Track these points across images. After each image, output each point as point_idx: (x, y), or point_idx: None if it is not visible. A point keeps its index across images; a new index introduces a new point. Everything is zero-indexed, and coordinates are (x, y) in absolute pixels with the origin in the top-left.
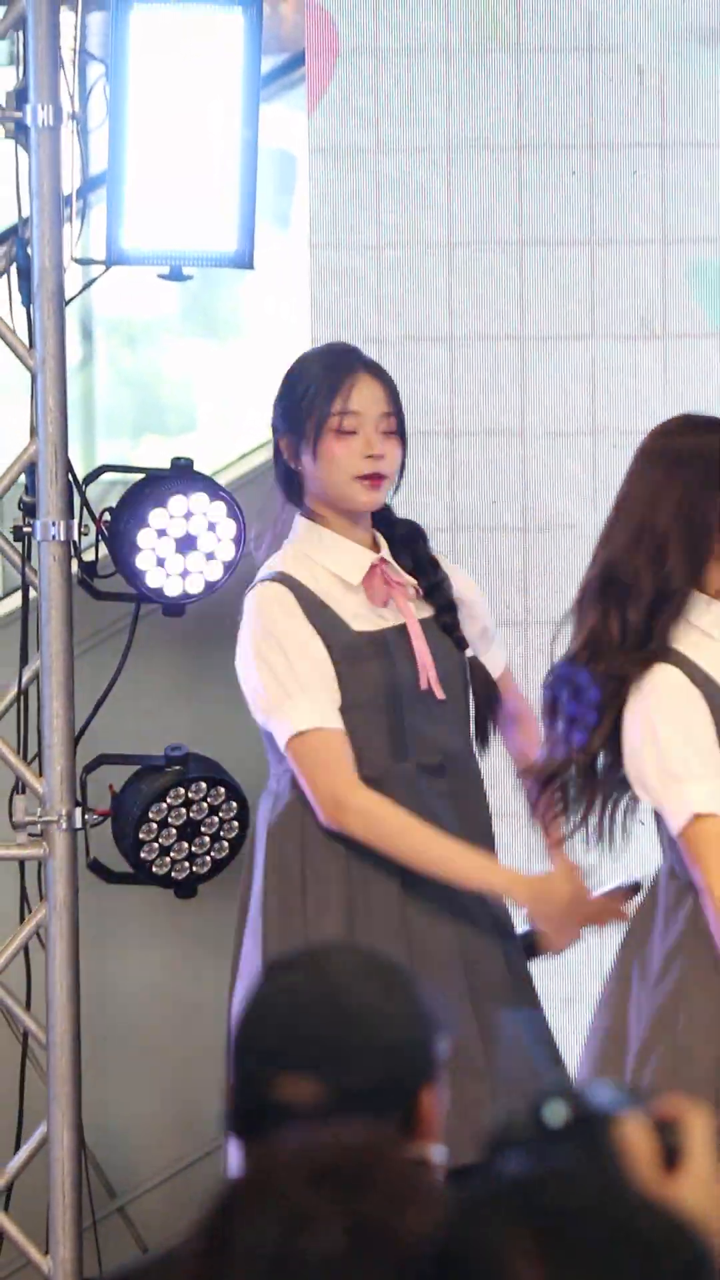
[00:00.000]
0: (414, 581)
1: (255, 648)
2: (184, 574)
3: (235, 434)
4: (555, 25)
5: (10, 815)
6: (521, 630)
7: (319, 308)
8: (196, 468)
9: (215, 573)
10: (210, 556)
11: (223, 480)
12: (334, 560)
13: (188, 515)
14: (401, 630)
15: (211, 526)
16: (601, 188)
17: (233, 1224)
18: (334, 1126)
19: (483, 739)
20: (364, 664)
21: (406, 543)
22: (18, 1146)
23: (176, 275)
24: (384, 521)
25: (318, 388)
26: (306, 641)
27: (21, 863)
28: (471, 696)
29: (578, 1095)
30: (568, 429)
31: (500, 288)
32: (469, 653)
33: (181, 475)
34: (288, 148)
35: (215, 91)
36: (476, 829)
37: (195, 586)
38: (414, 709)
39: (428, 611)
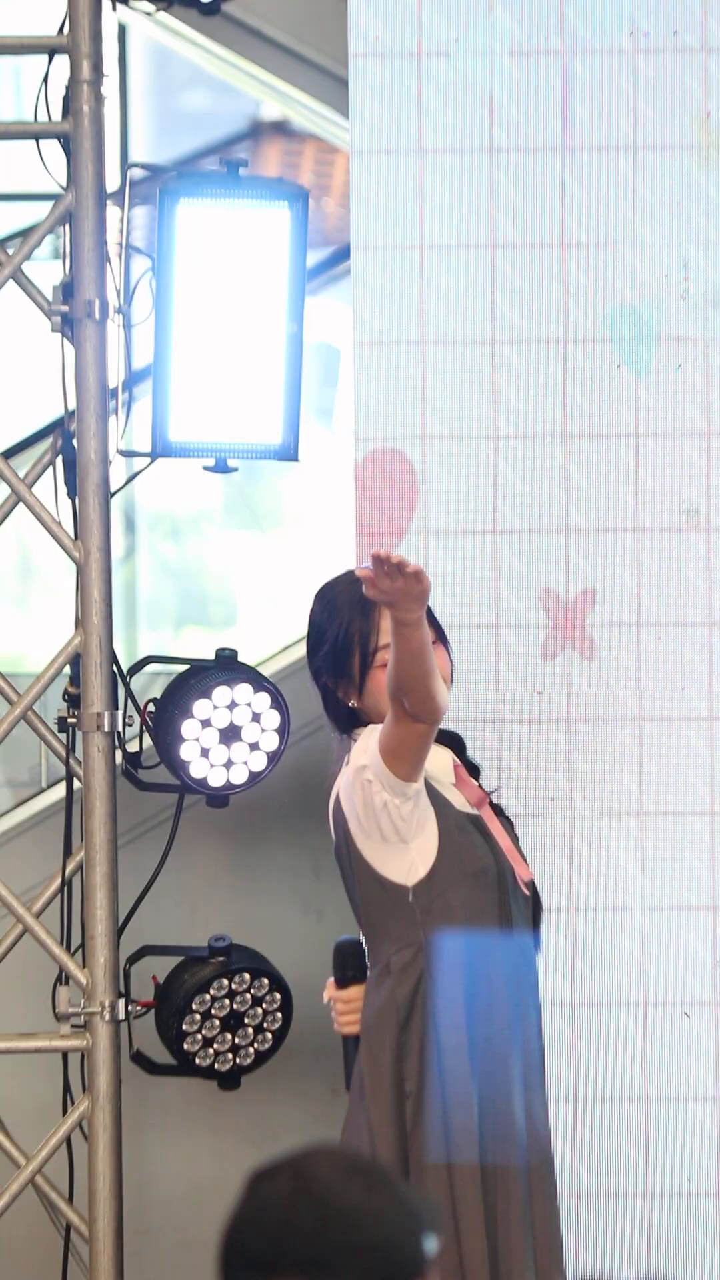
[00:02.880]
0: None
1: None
2: (228, 764)
3: (277, 626)
4: (604, 221)
5: (54, 1006)
6: None
7: (366, 500)
8: (239, 659)
9: (259, 763)
10: (254, 747)
11: (266, 671)
12: (429, 760)
13: (231, 706)
14: (483, 823)
15: (256, 717)
16: (649, 380)
17: None
18: None
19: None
20: (473, 836)
21: (459, 750)
22: None
23: (221, 467)
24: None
25: (350, 627)
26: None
27: (65, 1054)
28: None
29: None
30: (622, 620)
31: (548, 476)
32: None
33: (225, 666)
34: (331, 341)
35: (260, 285)
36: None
37: (239, 777)
38: (514, 891)
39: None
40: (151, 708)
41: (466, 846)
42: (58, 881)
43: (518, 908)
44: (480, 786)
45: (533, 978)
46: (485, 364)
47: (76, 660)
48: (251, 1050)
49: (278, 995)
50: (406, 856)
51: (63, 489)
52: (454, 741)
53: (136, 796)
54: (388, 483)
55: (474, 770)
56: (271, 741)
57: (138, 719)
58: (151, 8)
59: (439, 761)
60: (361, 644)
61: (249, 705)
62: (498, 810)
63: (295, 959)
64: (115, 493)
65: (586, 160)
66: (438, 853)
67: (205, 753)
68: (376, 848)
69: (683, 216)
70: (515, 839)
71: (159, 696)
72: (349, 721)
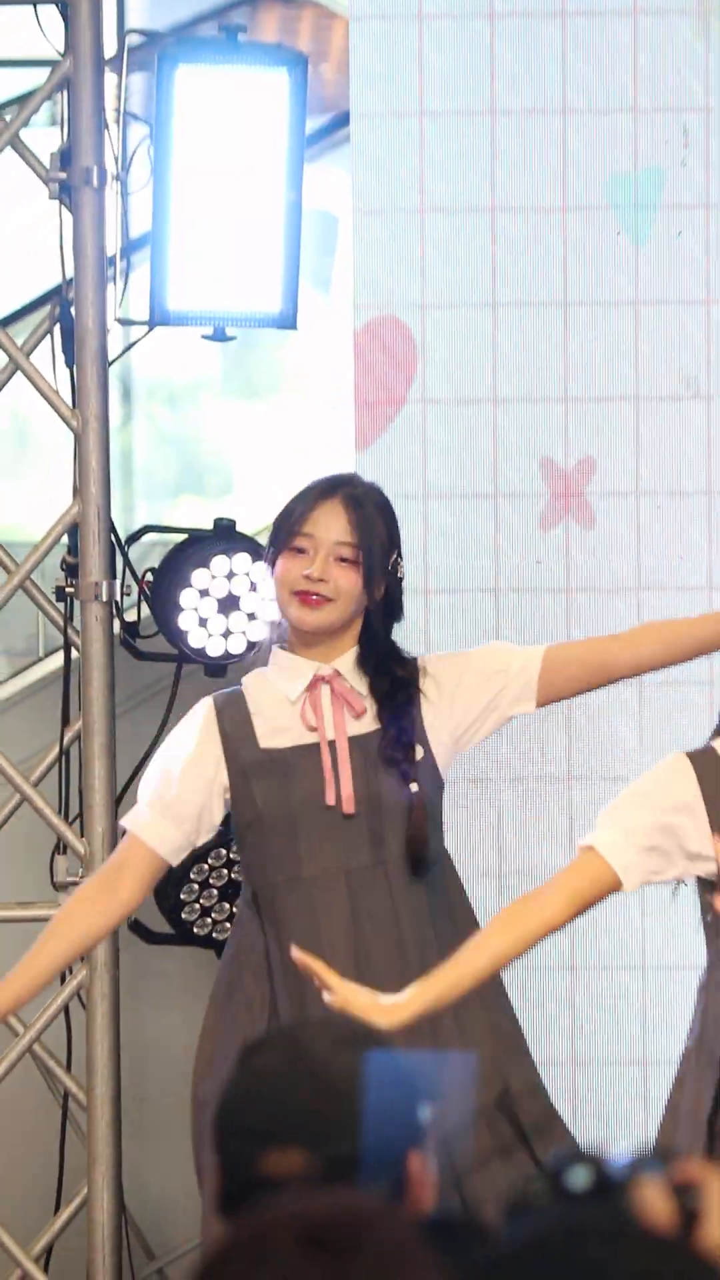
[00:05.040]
0: (363, 697)
1: (164, 744)
2: (226, 634)
3: (275, 495)
4: (602, 86)
5: (52, 876)
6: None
7: (364, 368)
8: (238, 529)
9: (258, 632)
10: (252, 616)
11: (264, 541)
12: (282, 676)
13: (230, 575)
14: (310, 751)
15: (254, 586)
16: (648, 248)
17: None
18: (325, 1192)
19: (413, 869)
20: (260, 780)
21: (378, 662)
22: (58, 1208)
23: (220, 336)
24: (375, 649)
25: (294, 510)
26: (188, 768)
27: None
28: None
29: (598, 1160)
30: (613, 489)
31: (547, 347)
32: (414, 788)
33: (224, 536)
34: (329, 208)
35: (259, 152)
36: (387, 937)
37: (237, 646)
38: (313, 825)
39: (371, 728)
40: (149, 577)
41: (244, 795)
42: (55, 751)
43: (331, 838)
44: (364, 705)
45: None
46: (484, 232)
47: (74, 530)
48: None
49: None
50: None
51: (60, 357)
52: (383, 655)
53: (134, 666)
54: (386, 352)
55: (386, 685)
56: (270, 611)
57: (136, 588)
58: None
59: (295, 674)
60: (288, 525)
61: (247, 575)
62: (396, 737)
63: None
64: (113, 361)
65: (585, 26)
66: (231, 803)
67: (203, 622)
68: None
69: (682, 84)
70: (391, 762)
71: (157, 566)
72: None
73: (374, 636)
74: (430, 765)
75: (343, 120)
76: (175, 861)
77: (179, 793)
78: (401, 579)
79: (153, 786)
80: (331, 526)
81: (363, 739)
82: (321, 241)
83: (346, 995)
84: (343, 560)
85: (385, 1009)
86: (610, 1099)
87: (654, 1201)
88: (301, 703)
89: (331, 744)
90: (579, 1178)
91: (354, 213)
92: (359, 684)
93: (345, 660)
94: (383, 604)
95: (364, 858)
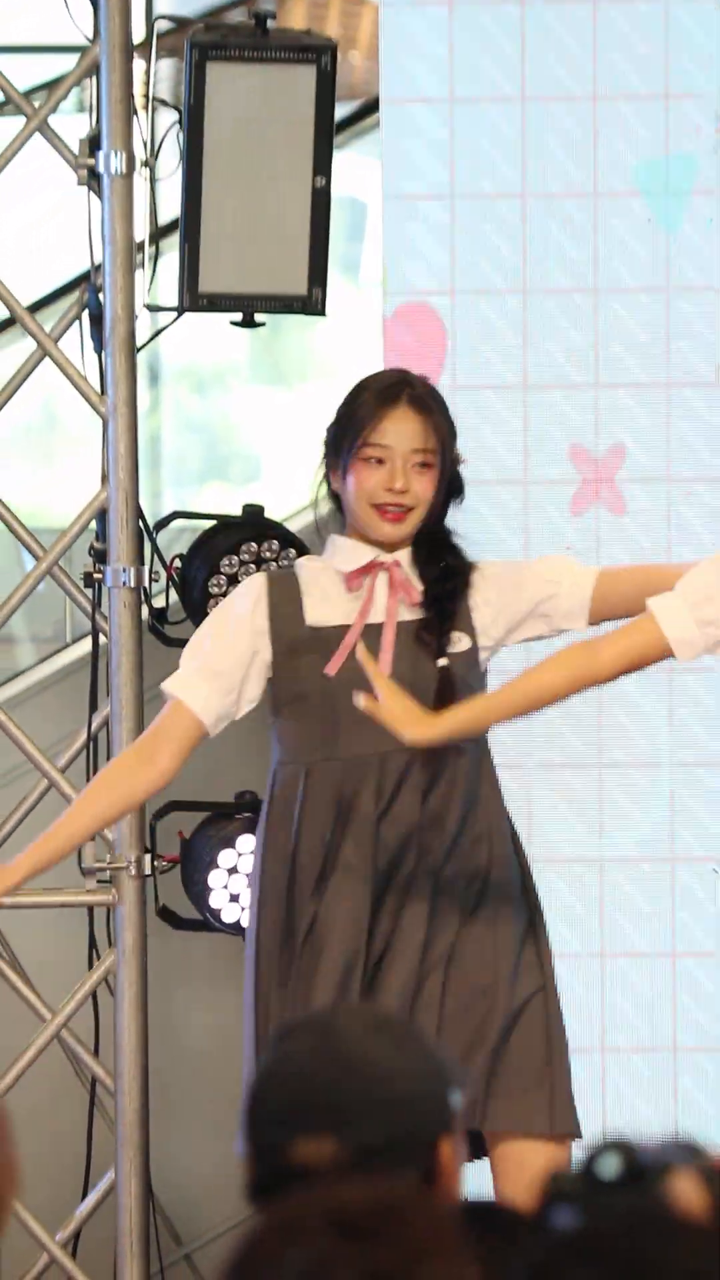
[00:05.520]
0: (419, 588)
1: (211, 614)
2: None
3: (302, 482)
4: (630, 73)
5: (79, 861)
6: None
7: (390, 356)
8: (266, 514)
9: None
10: None
11: (292, 528)
12: (341, 556)
13: (258, 561)
14: (368, 629)
15: None
16: (680, 235)
17: (252, 1273)
18: (357, 1179)
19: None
20: (303, 657)
21: (431, 550)
22: (85, 1194)
23: (248, 322)
24: (428, 539)
25: (358, 416)
26: (235, 635)
27: (90, 909)
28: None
29: (629, 1147)
30: (643, 476)
31: (575, 331)
32: (443, 662)
33: (253, 521)
34: (358, 195)
35: (287, 139)
36: (408, 823)
37: None
38: (352, 705)
39: (415, 617)
40: (177, 563)
41: (287, 670)
42: (83, 737)
43: (369, 726)
44: (420, 594)
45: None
46: (515, 218)
47: (102, 515)
48: None
49: None
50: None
51: (88, 344)
52: (437, 544)
53: (162, 652)
54: (416, 338)
55: (437, 573)
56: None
57: (164, 574)
58: None
59: (354, 555)
60: (357, 433)
61: (276, 561)
62: (435, 619)
63: None
64: (141, 347)
65: (616, 11)
66: (271, 676)
67: None
68: None
69: (715, 69)
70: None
71: (185, 552)
72: (336, 512)
73: (435, 523)
74: (472, 652)
75: (372, 107)
76: (215, 730)
77: (225, 661)
78: (464, 463)
79: (198, 653)
80: (404, 434)
81: (409, 624)
82: (350, 228)
83: (387, 697)
84: (420, 466)
85: (417, 719)
86: (640, 1086)
87: (686, 1190)
88: (352, 581)
89: (379, 626)
90: (610, 1165)
91: (383, 199)
92: (413, 573)
93: (405, 552)
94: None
95: (397, 740)
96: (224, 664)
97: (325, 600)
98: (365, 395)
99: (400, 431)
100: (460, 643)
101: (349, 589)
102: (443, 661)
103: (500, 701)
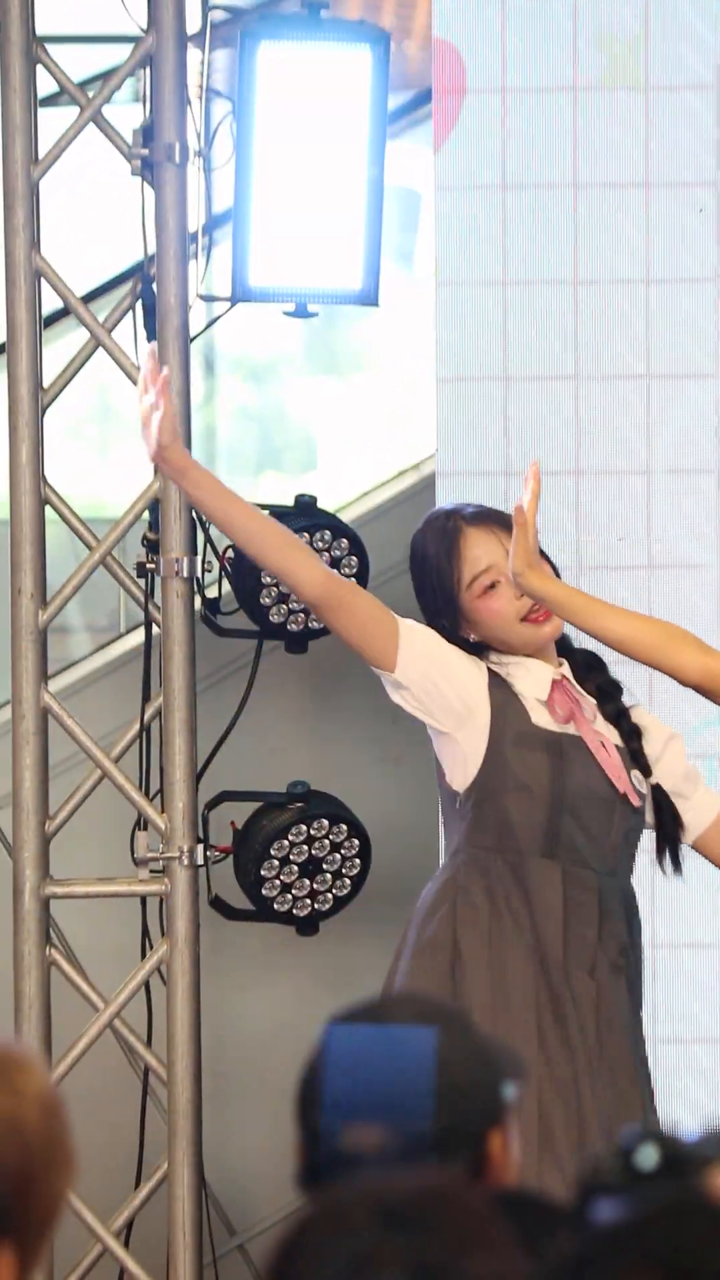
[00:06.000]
0: (594, 702)
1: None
2: (307, 610)
3: (357, 472)
4: (681, 64)
5: (132, 851)
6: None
7: (444, 346)
8: (319, 505)
9: None
10: None
11: (345, 518)
12: (520, 675)
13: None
14: (578, 742)
15: (335, 562)
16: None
17: (299, 1262)
18: (404, 1169)
19: (675, 863)
20: (534, 752)
21: (589, 668)
22: (138, 1183)
23: (301, 312)
24: (564, 650)
25: (438, 567)
26: (465, 671)
27: (143, 899)
28: (658, 825)
29: (669, 1139)
30: (692, 467)
31: (624, 325)
32: (654, 779)
33: (305, 512)
34: (412, 185)
35: (341, 128)
36: (616, 943)
37: (319, 622)
38: (577, 813)
39: (611, 734)
40: (230, 554)
41: (517, 759)
42: (136, 727)
43: (592, 831)
44: (597, 707)
45: (615, 908)
46: (566, 208)
47: (155, 505)
48: (330, 896)
49: (356, 841)
50: (458, 751)
51: (142, 334)
52: (592, 660)
53: (215, 642)
54: (468, 328)
55: (610, 689)
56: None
57: (217, 565)
58: None
59: (537, 674)
60: (450, 578)
61: (329, 551)
62: (632, 733)
63: (373, 805)
64: (195, 337)
65: (667, 7)
66: (483, 761)
67: (284, 598)
68: (436, 736)
69: None
70: (635, 755)
71: None
72: (478, 652)
73: (567, 642)
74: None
75: (425, 97)
76: (390, 667)
77: (450, 667)
78: None
79: (436, 643)
80: (490, 550)
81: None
82: (404, 218)
83: (528, 526)
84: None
85: (533, 563)
86: (690, 1077)
87: None
88: (550, 699)
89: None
90: (648, 1157)
91: (436, 189)
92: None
93: (566, 669)
94: None
95: (610, 861)
96: (447, 662)
97: (537, 708)
98: (429, 547)
99: (485, 551)
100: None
101: (552, 712)
102: (654, 780)
103: (605, 614)
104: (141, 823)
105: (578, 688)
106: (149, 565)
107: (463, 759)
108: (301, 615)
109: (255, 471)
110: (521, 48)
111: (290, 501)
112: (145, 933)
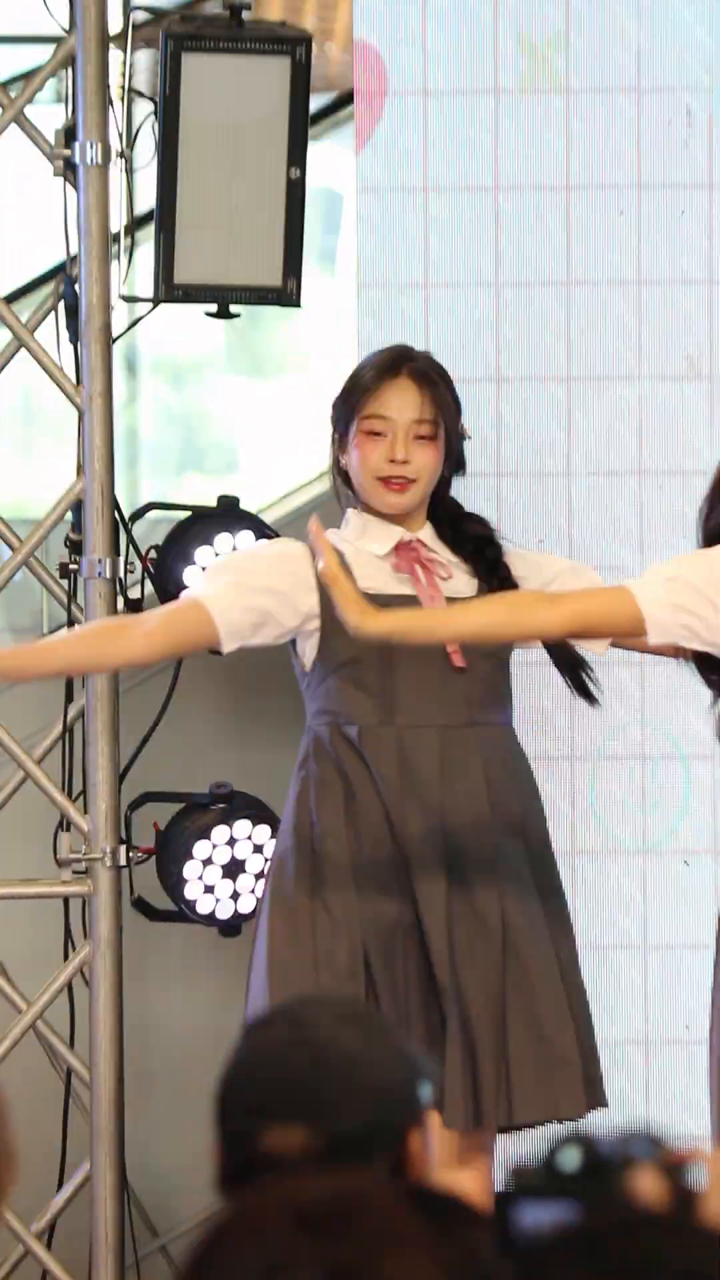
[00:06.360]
0: (454, 559)
1: (249, 548)
2: None
3: (278, 473)
4: (604, 66)
5: (55, 852)
6: None
7: (366, 347)
8: (241, 506)
9: None
10: None
11: (267, 519)
12: (369, 537)
13: (234, 552)
14: (411, 602)
15: None
16: (650, 227)
17: (214, 1266)
18: (321, 1172)
19: (583, 692)
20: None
21: (454, 524)
22: (60, 1185)
23: (224, 313)
24: (446, 515)
25: (359, 389)
26: (279, 573)
27: (65, 900)
28: (556, 664)
29: (589, 1140)
30: (616, 469)
31: (548, 328)
32: None
33: (228, 514)
34: (333, 186)
35: (263, 130)
36: (474, 792)
37: None
38: (411, 672)
39: (470, 589)
40: (153, 555)
41: (345, 632)
42: (59, 728)
43: (432, 688)
44: (456, 564)
45: (471, 761)
46: (487, 211)
47: (78, 506)
48: (252, 897)
49: None
50: (303, 641)
51: (64, 334)
52: (458, 516)
53: None
54: (389, 330)
55: (475, 542)
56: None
57: (139, 566)
58: None
59: (384, 535)
60: (358, 405)
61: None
62: (498, 585)
63: None
64: (118, 338)
65: (587, 5)
66: (319, 640)
67: None
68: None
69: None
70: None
71: (161, 543)
72: (346, 484)
73: (443, 498)
74: None
75: (347, 98)
76: (226, 647)
77: (264, 584)
78: (468, 438)
79: (234, 567)
80: (405, 406)
81: (459, 600)
82: (325, 219)
83: (339, 578)
84: (421, 438)
85: (364, 610)
86: (689, 1078)
87: (647, 1183)
88: (391, 562)
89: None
90: (570, 1159)
91: (358, 191)
92: (442, 552)
93: (427, 531)
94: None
95: (459, 716)
96: (261, 588)
97: (375, 571)
98: (366, 369)
99: (400, 403)
100: None
101: (396, 569)
102: None
103: (448, 622)
104: (64, 824)
105: (431, 549)
106: (72, 566)
107: (306, 644)
108: None
109: (177, 472)
110: (443, 49)
111: (213, 502)
112: (68, 934)
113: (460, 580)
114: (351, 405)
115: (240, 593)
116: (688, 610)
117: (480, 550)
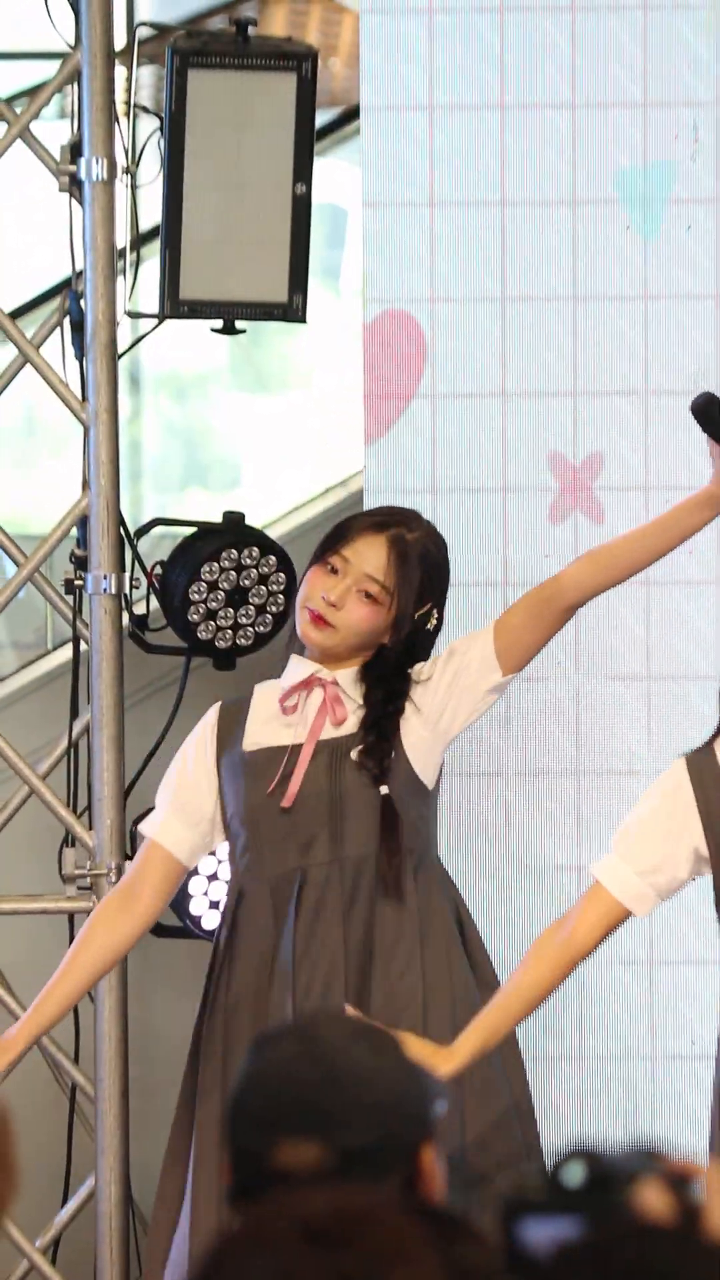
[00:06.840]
0: (356, 708)
1: (180, 750)
2: (235, 627)
3: (283, 489)
4: (607, 81)
5: (60, 868)
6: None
7: (370, 364)
8: (246, 522)
9: (266, 626)
10: (261, 610)
11: (272, 535)
12: (289, 674)
13: (239, 568)
14: (286, 752)
15: (263, 580)
16: (655, 243)
17: (222, 1278)
18: (331, 1186)
19: (385, 891)
20: (237, 781)
21: (378, 679)
22: (65, 1200)
23: (229, 329)
24: (378, 670)
25: (343, 529)
26: (195, 767)
27: (71, 915)
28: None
29: (593, 1155)
30: (621, 485)
31: (554, 342)
32: (384, 790)
33: (233, 529)
34: (338, 202)
35: (268, 146)
36: (332, 936)
37: (246, 640)
38: (274, 825)
39: (348, 733)
40: (158, 570)
41: (229, 794)
42: (64, 744)
43: (286, 838)
44: (348, 712)
45: (333, 900)
46: (493, 226)
47: (83, 522)
48: (252, 631)
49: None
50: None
51: (70, 350)
52: (384, 667)
53: (143, 659)
54: (395, 346)
55: (379, 697)
56: (278, 604)
57: (144, 581)
58: None
59: (298, 672)
60: (334, 538)
61: (256, 568)
62: (374, 744)
63: None
64: (123, 354)
65: (591, 21)
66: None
67: (212, 615)
68: None
69: (691, 78)
70: (377, 755)
71: (166, 559)
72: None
73: (383, 664)
74: (408, 771)
75: (352, 114)
76: (192, 864)
77: (189, 796)
78: (433, 629)
79: (167, 791)
80: (368, 558)
81: (335, 741)
82: (330, 235)
83: (411, 1043)
84: (367, 595)
85: (437, 1054)
86: (691, 1094)
87: (652, 1197)
88: (286, 699)
89: (299, 747)
90: (575, 1174)
91: (363, 206)
92: (355, 694)
93: (346, 674)
94: (404, 644)
95: (319, 855)
96: (188, 797)
97: (265, 723)
98: (365, 515)
99: (366, 554)
100: (400, 768)
101: (283, 709)
102: (384, 790)
103: (502, 1013)
104: (69, 839)
105: (346, 691)
106: (77, 582)
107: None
108: (229, 632)
109: (181, 488)
110: (449, 65)
111: (216, 518)
112: None
113: (350, 726)
114: (329, 540)
115: (181, 813)
116: (654, 869)
117: (383, 703)
